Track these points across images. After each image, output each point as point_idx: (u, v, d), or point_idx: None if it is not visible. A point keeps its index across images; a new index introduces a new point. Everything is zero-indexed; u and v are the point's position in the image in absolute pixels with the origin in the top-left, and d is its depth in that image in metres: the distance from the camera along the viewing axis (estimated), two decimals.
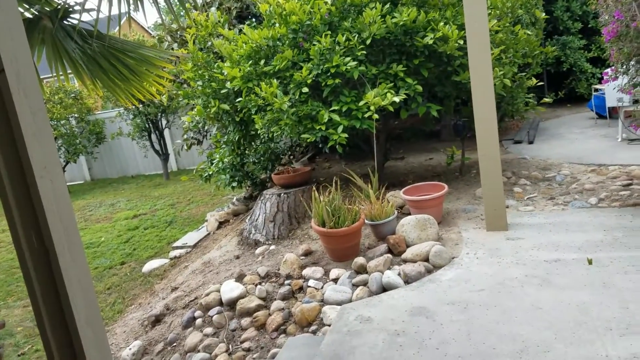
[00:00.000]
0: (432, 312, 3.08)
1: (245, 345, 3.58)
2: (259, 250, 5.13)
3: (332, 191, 4.39)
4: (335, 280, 3.98)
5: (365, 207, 4.53)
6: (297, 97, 5.05)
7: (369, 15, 4.95)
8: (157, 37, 9.61)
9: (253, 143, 6.83)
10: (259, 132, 5.68)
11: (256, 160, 6.81)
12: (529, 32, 5.82)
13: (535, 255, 3.67)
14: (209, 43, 6.63)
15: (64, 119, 13.47)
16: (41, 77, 3.48)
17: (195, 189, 10.86)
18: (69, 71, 3.37)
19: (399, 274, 3.71)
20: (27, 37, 1.34)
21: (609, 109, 8.64)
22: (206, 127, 7.97)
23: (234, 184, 6.72)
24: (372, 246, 4.43)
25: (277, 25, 5.54)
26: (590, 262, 3.39)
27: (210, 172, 6.88)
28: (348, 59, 4.90)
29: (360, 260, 4.02)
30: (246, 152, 6.80)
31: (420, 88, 4.98)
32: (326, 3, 5.27)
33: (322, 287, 3.94)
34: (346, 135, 4.87)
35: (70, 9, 3.20)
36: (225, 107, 5.98)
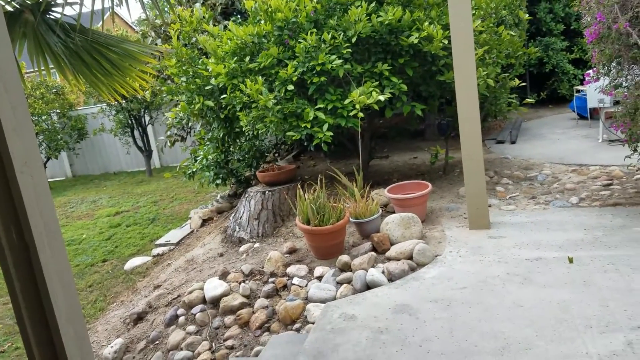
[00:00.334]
0: (416, 310, 3.10)
1: (229, 343, 3.57)
2: (243, 248, 5.11)
3: (317, 189, 4.39)
4: (320, 278, 3.98)
5: (350, 205, 4.54)
6: (282, 94, 5.04)
7: (354, 13, 4.95)
8: (140, 33, 9.51)
9: (238, 140, 6.80)
10: (243, 129, 5.66)
11: (241, 158, 6.79)
12: (512, 33, 5.88)
13: (517, 254, 3.72)
14: (194, 39, 6.58)
15: (46, 114, 13.27)
16: (22, 71, 3.42)
17: (179, 186, 10.78)
18: (51, 66, 3.32)
19: (383, 272, 3.72)
20: (8, 31, 1.31)
21: (591, 110, 8.78)
22: (190, 124, 7.91)
23: (218, 182, 6.68)
24: (356, 244, 4.44)
25: (262, 22, 5.52)
26: (571, 260, 3.44)
27: (194, 169, 6.83)
28: (334, 57, 4.90)
29: (344, 258, 4.03)
30: (231, 149, 6.77)
31: (405, 87, 5.01)
32: (312, 1, 5.26)
33: (306, 285, 3.93)
34: (331, 133, 4.87)
35: (53, 2, 3.15)
36: (210, 103, 5.94)
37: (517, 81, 6.09)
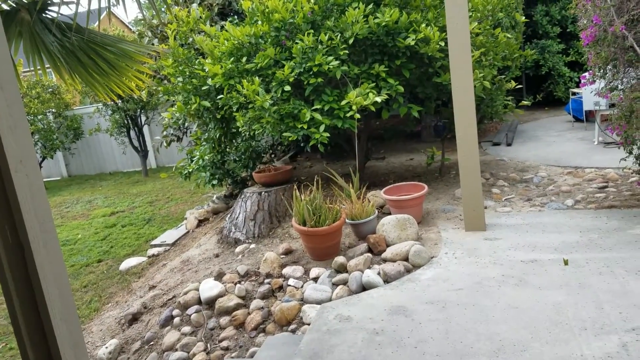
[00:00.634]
0: (411, 311, 3.10)
1: (224, 344, 3.56)
2: (238, 248, 5.10)
3: (313, 190, 4.39)
4: (315, 279, 3.98)
5: (346, 207, 4.54)
6: (279, 95, 5.03)
7: (351, 15, 4.96)
8: (137, 33, 9.49)
9: (234, 141, 6.79)
10: (240, 129, 5.65)
11: (237, 158, 6.77)
12: (509, 36, 5.90)
13: (513, 256, 3.72)
14: (190, 39, 6.57)
15: (41, 113, 13.23)
16: (19, 69, 3.40)
17: (175, 186, 10.76)
18: (47, 65, 3.31)
19: (379, 273, 3.72)
20: (4, 30, 1.31)
21: (586, 113, 8.81)
22: (186, 124, 7.90)
23: (214, 182, 6.67)
24: (352, 245, 4.44)
25: (259, 22, 5.52)
26: (566, 262, 3.45)
27: (190, 170, 6.82)
28: (330, 58, 4.90)
29: (340, 259, 4.03)
30: (227, 149, 6.76)
31: (401, 89, 5.01)
32: (309, 2, 5.26)
33: (302, 286, 3.93)
34: (328, 134, 4.87)
35: (49, 2, 3.14)
36: (206, 104, 5.93)
37: (513, 83, 6.11)
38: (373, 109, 4.81)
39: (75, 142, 14.34)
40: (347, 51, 5.02)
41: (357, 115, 4.79)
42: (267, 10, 5.38)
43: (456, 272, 3.58)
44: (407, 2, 5.37)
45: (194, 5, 7.60)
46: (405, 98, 5.37)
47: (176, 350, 3.63)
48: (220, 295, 4.00)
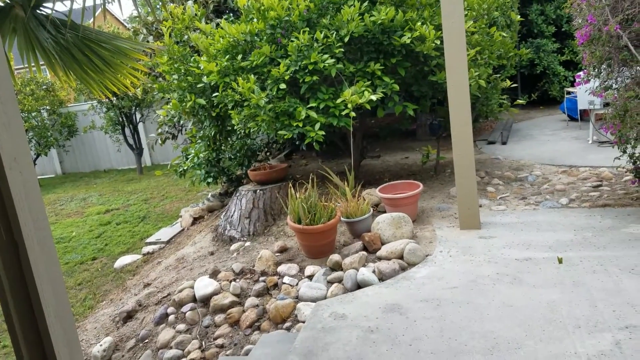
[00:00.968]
0: (406, 309, 3.11)
1: (219, 341, 3.56)
2: (233, 246, 5.09)
3: (308, 188, 4.39)
4: (310, 277, 3.98)
5: (341, 205, 4.54)
6: (274, 93, 5.03)
7: (347, 13, 4.96)
8: (132, 30, 9.45)
9: (229, 139, 6.78)
10: (235, 127, 5.64)
11: (232, 156, 6.76)
12: (504, 34, 5.91)
13: (507, 254, 3.74)
14: (186, 37, 6.55)
15: (35, 111, 13.16)
16: (13, 67, 3.38)
17: (170, 184, 10.73)
18: (41, 62, 3.29)
19: (374, 271, 3.73)
20: None
21: (581, 112, 8.84)
22: (181, 122, 7.88)
23: (209, 180, 6.66)
24: (347, 243, 4.44)
25: (255, 20, 5.51)
26: (560, 261, 3.47)
27: (185, 168, 6.81)
28: (326, 56, 4.90)
29: (335, 257, 4.03)
30: (222, 147, 6.75)
31: (397, 87, 5.02)
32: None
33: (297, 284, 3.93)
34: (323, 132, 4.87)
35: None
36: (202, 101, 5.92)
37: (508, 82, 6.13)
38: (368, 107, 4.81)
39: (69, 140, 14.28)
40: (342, 49, 5.02)
41: (353, 114, 4.79)
42: (262, 7, 5.37)
43: (451, 271, 3.59)
44: (403, 0, 5.38)
45: (190, 3, 7.58)
46: (400, 96, 5.38)
47: (171, 348, 3.62)
48: (215, 293, 4.00)
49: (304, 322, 3.33)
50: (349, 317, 3.12)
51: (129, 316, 4.29)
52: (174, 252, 5.86)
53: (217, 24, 7.20)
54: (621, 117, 4.06)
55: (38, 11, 3.16)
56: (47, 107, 13.58)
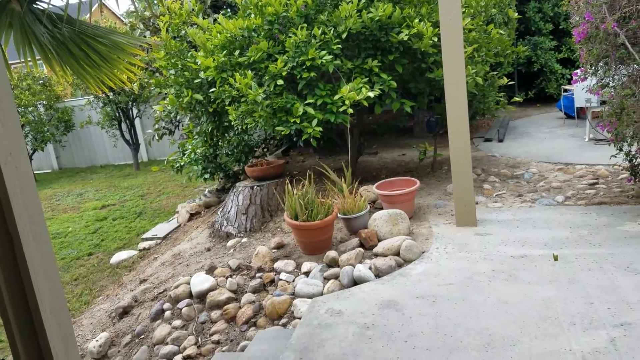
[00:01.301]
0: (402, 306, 3.12)
1: (215, 338, 3.56)
2: (230, 242, 5.09)
3: (305, 185, 4.39)
4: (307, 274, 3.99)
5: (338, 201, 4.55)
6: (271, 89, 5.02)
7: (345, 9, 4.95)
8: (129, 25, 9.41)
9: (226, 134, 6.77)
10: (232, 123, 5.63)
11: (229, 152, 6.75)
12: (501, 32, 5.91)
13: (503, 251, 3.75)
14: (183, 32, 6.53)
15: (32, 105, 13.10)
16: (9, 62, 3.36)
17: (166, 180, 10.71)
18: (38, 57, 3.27)
19: (370, 268, 3.74)
20: None
21: (578, 110, 8.86)
22: (178, 117, 7.86)
23: (206, 176, 6.65)
24: (344, 240, 4.45)
25: (252, 15, 5.49)
26: (556, 258, 3.48)
27: (182, 163, 6.79)
28: (324, 52, 4.89)
29: (332, 253, 4.04)
30: (219, 143, 6.74)
31: (394, 84, 5.01)
32: None
33: (293, 280, 3.94)
34: (320, 128, 4.86)
35: None
36: (199, 97, 5.90)
37: (505, 80, 6.13)
38: (366, 103, 4.81)
39: (66, 135, 14.22)
40: (340, 46, 5.01)
41: (350, 110, 4.79)
42: (260, 3, 5.35)
43: (447, 267, 3.60)
44: None
45: None
46: (398, 93, 5.37)
47: (167, 343, 3.63)
48: (211, 289, 4.00)
49: (300, 318, 3.34)
50: (345, 313, 3.13)
51: (125, 312, 4.29)
52: (170, 248, 5.86)
53: (215, 19, 7.18)
54: (618, 115, 4.07)
55: (34, 5, 3.15)
56: (44, 102, 13.53)
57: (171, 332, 3.73)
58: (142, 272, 5.39)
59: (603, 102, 5.32)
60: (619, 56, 4.03)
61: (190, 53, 6.09)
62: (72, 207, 9.51)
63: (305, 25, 5.11)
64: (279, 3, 5.19)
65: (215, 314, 3.78)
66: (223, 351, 3.42)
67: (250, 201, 5.45)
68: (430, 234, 4.33)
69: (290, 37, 5.04)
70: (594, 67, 4.35)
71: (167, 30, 6.15)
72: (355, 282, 3.64)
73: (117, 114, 12.87)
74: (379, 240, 4.19)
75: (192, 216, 6.91)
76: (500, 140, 8.38)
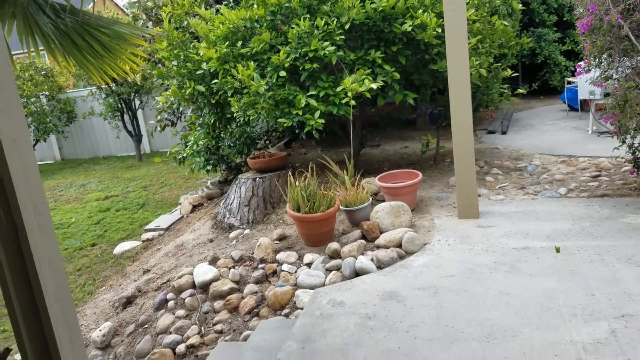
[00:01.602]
0: (403, 297, 3.13)
1: (218, 327, 3.59)
2: (233, 234, 5.11)
3: (307, 177, 4.39)
4: (309, 265, 4.00)
5: (341, 193, 4.55)
6: (274, 80, 5.01)
7: None
8: (131, 15, 9.38)
9: (229, 126, 6.77)
10: (234, 115, 5.62)
11: (231, 144, 6.75)
12: (505, 23, 5.87)
13: (505, 243, 3.75)
14: (185, 22, 6.51)
15: (34, 96, 13.11)
16: (12, 52, 3.36)
17: (169, 171, 10.73)
18: (41, 47, 3.27)
19: (372, 260, 3.75)
20: None
21: (581, 102, 8.83)
22: (181, 109, 7.86)
23: (209, 168, 6.66)
24: (346, 232, 4.46)
25: (255, 6, 5.47)
26: (558, 250, 3.49)
27: (185, 155, 6.80)
28: (326, 43, 4.87)
29: (334, 245, 4.05)
30: (221, 135, 6.74)
31: (397, 75, 5.00)
32: None
33: (295, 272, 3.95)
34: (323, 120, 4.86)
35: None
36: (201, 88, 5.89)
37: (509, 71, 6.10)
38: (369, 95, 4.80)
39: (68, 126, 14.23)
40: (343, 36, 4.99)
41: (353, 102, 4.78)
42: None
43: (449, 259, 3.60)
44: None
45: None
46: (401, 85, 5.35)
47: (170, 333, 3.65)
48: (214, 280, 4.02)
49: (302, 309, 3.35)
50: (347, 304, 3.14)
51: (128, 302, 4.31)
52: (173, 239, 5.88)
53: (217, 10, 7.16)
54: (621, 108, 4.05)
55: None
56: (46, 93, 13.53)
57: (175, 321, 3.76)
58: (145, 262, 5.41)
59: (606, 95, 5.31)
60: (622, 48, 4.01)
61: (192, 44, 6.08)
62: (75, 198, 9.53)
63: (308, 15, 5.09)
64: None
65: (218, 304, 3.81)
66: (226, 340, 3.44)
67: (253, 193, 5.46)
68: (432, 226, 4.33)
69: (292, 28, 5.03)
70: (597, 59, 4.33)
71: (169, 21, 6.14)
72: (357, 273, 3.66)
73: (119, 105, 12.87)
74: (381, 232, 4.20)
75: (195, 208, 6.93)
76: (504, 133, 8.36)
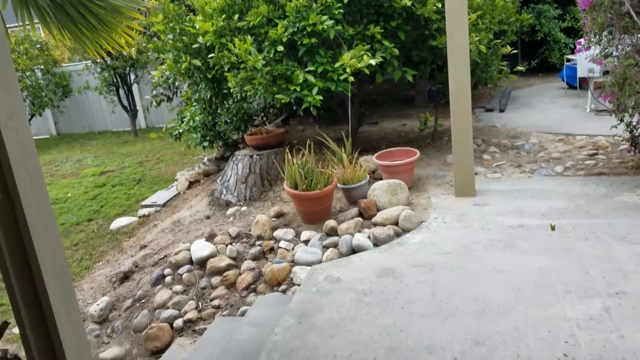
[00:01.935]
0: (399, 274, 3.15)
1: (215, 303, 3.62)
2: (230, 211, 5.11)
3: (305, 154, 4.38)
4: (306, 242, 4.02)
5: (338, 171, 4.54)
6: (271, 55, 4.95)
7: None
8: None
9: (225, 102, 6.71)
10: (231, 90, 5.57)
11: (228, 120, 6.71)
12: None
13: (501, 221, 3.77)
14: None
15: (29, 70, 12.93)
16: (6, 25, 3.30)
17: (165, 147, 10.67)
18: (36, 20, 3.21)
19: (369, 237, 3.76)
20: None
21: (580, 80, 8.78)
22: (177, 84, 7.77)
23: (205, 144, 6.62)
24: (343, 209, 4.47)
25: None
26: (553, 228, 3.51)
27: (181, 131, 6.76)
28: (325, 17, 4.80)
29: (331, 222, 4.06)
30: (218, 111, 6.68)
31: (396, 51, 4.95)
32: None
33: (292, 249, 3.97)
34: (321, 97, 4.82)
35: None
36: (197, 62, 5.82)
37: (509, 48, 6.04)
38: (367, 72, 4.75)
39: (64, 100, 14.08)
40: (342, 10, 4.92)
41: (351, 78, 4.73)
42: None
43: (445, 237, 3.62)
44: None
45: None
46: (399, 61, 5.30)
47: (168, 308, 3.68)
48: (211, 256, 4.03)
49: (299, 285, 3.38)
50: (344, 280, 3.17)
51: (125, 277, 4.34)
52: (170, 215, 5.88)
53: None
54: (620, 85, 4.04)
55: None
56: (41, 67, 13.34)
57: (172, 296, 3.79)
58: (142, 238, 5.43)
59: (605, 73, 5.28)
60: (623, 25, 3.98)
61: (188, 17, 5.98)
62: (70, 173, 9.50)
63: None
64: None
65: (215, 280, 3.83)
66: (223, 315, 3.47)
67: (250, 170, 5.45)
68: (429, 204, 4.34)
69: (290, 1, 4.94)
70: (598, 36, 4.30)
71: None
72: (353, 250, 3.68)
73: (114, 80, 12.72)
74: (378, 210, 4.21)
75: (192, 184, 6.91)
76: (502, 111, 8.33)
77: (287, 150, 4.71)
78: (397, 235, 3.80)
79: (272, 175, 5.52)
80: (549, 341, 2.31)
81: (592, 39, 4.35)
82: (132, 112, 12.98)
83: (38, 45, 13.19)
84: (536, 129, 6.78)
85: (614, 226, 3.45)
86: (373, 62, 4.64)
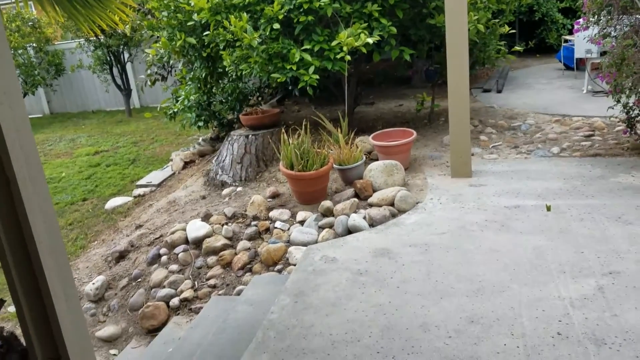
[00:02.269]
0: (395, 254, 3.17)
1: (211, 282, 3.63)
2: (225, 191, 5.10)
3: (301, 134, 4.36)
4: (302, 222, 4.02)
5: (334, 152, 4.53)
6: (267, 33, 4.89)
7: None
8: None
9: (220, 81, 6.64)
10: (227, 69, 5.51)
11: (223, 100, 6.65)
12: None
13: (496, 202, 3.78)
14: None
15: (22, 48, 12.74)
16: None
17: (159, 127, 10.60)
18: None
19: (365, 217, 3.77)
20: None
21: (577, 61, 8.74)
22: (171, 62, 7.68)
23: (200, 124, 6.57)
24: (339, 190, 4.46)
25: None
26: (548, 208, 3.52)
27: (176, 110, 6.70)
28: None
29: (327, 203, 4.06)
30: (213, 90, 6.61)
31: (394, 30, 4.89)
32: None
33: (288, 229, 3.98)
34: (317, 76, 4.77)
35: None
36: (192, 40, 5.74)
37: (507, 28, 5.99)
38: (364, 50, 4.71)
39: (57, 79, 13.90)
40: None
41: (348, 57, 4.69)
42: None
43: (440, 217, 3.63)
44: None
45: None
46: (397, 41, 5.25)
47: (164, 287, 3.69)
48: (207, 236, 4.04)
49: (295, 265, 3.39)
50: (340, 260, 3.18)
51: (121, 256, 4.34)
52: (165, 195, 5.87)
53: None
54: (618, 66, 4.02)
55: None
56: (34, 45, 13.15)
57: (168, 276, 3.79)
58: (137, 218, 5.42)
59: (603, 53, 5.25)
60: (622, 5, 3.95)
61: None
62: (64, 153, 9.44)
63: None
64: None
65: (211, 259, 3.84)
66: (219, 295, 3.49)
67: (245, 150, 5.43)
68: (425, 185, 4.35)
69: None
70: (596, 16, 4.27)
71: None
72: (349, 231, 3.68)
73: (108, 58, 12.55)
74: (374, 191, 4.21)
75: (187, 164, 6.88)
76: (499, 91, 8.30)
77: (282, 130, 4.69)
78: (393, 215, 3.81)
79: (268, 155, 5.50)
80: (543, 320, 2.34)
81: (591, 19, 4.32)
82: (126, 92, 12.85)
83: (30, 23, 12.96)
84: (533, 109, 6.76)
85: (609, 207, 3.47)
86: (370, 40, 4.59)
